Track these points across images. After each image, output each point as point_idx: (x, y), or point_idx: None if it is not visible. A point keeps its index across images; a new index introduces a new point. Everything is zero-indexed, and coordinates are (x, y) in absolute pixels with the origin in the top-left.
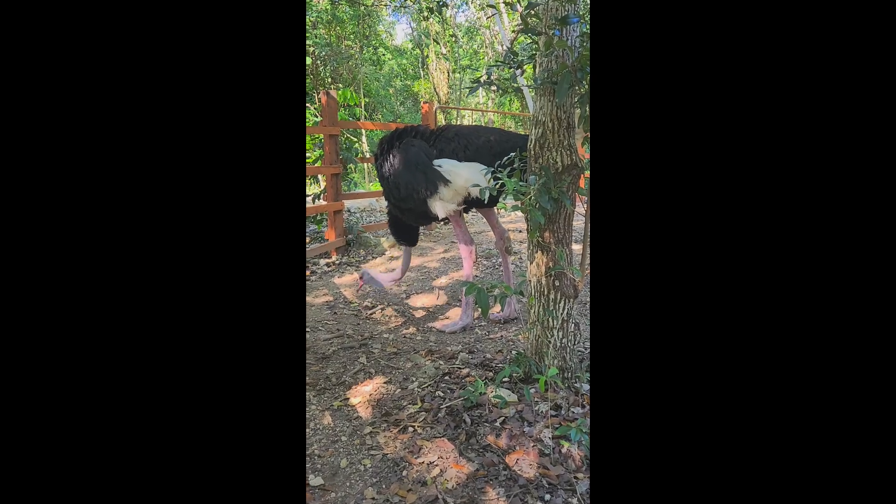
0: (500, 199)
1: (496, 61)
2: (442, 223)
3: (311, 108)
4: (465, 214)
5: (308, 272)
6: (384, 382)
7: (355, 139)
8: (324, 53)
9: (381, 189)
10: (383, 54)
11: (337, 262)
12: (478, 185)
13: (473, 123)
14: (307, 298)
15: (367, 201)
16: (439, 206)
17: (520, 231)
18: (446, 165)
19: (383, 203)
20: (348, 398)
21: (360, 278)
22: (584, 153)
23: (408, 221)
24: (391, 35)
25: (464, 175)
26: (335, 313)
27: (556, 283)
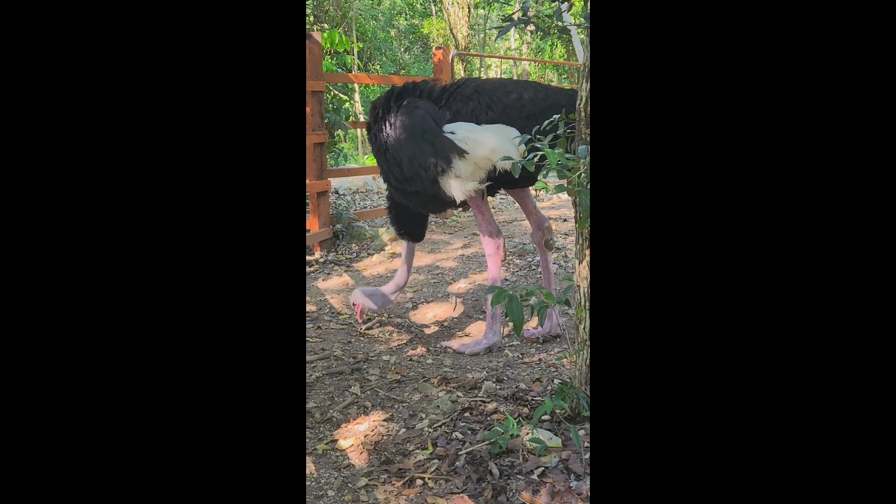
0: (539, 177)
1: None
2: (460, 209)
3: None
4: (490, 197)
5: None
6: (384, 420)
7: (346, 97)
8: None
9: (377, 165)
10: None
11: (322, 259)
12: (509, 158)
13: (502, 76)
14: None
15: (361, 179)
16: (455, 186)
17: (564, 220)
18: (461, 131)
19: (382, 183)
20: (336, 440)
21: (354, 304)
22: None
23: (414, 208)
24: None
25: (488, 143)
26: (319, 328)
27: None
